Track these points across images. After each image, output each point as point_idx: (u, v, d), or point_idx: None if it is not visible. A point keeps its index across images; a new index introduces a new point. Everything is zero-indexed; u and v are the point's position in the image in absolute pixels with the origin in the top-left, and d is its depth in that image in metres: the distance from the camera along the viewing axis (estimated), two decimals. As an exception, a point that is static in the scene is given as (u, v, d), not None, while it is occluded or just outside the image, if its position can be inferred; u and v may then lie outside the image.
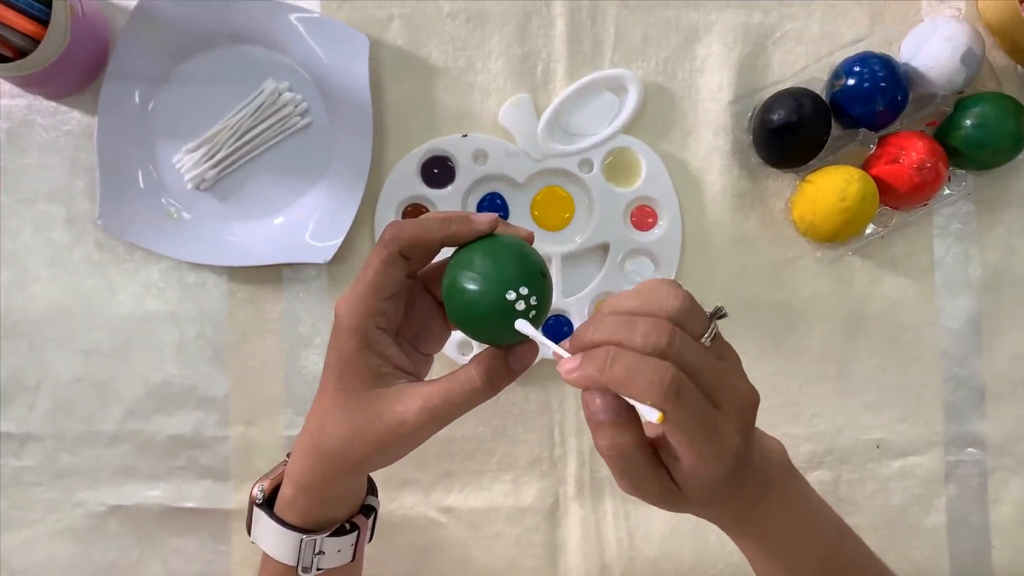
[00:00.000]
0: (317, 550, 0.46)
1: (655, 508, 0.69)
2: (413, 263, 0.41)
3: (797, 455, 0.66)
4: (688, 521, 0.65)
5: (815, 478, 0.65)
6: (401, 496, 0.65)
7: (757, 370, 0.64)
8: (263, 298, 0.65)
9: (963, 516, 0.66)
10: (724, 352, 0.38)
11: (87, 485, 0.64)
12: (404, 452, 0.43)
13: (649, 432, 0.38)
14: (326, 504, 0.46)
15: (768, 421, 0.70)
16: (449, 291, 0.39)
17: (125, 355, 0.64)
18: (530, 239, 0.41)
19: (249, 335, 0.65)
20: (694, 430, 0.35)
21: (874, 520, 0.65)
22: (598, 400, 0.37)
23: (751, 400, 0.38)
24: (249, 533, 0.48)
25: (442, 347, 0.46)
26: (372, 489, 0.51)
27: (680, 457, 0.37)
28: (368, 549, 0.66)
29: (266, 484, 0.47)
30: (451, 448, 0.65)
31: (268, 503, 0.46)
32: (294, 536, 0.45)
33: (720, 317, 0.38)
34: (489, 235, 0.40)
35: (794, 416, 0.65)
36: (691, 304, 0.37)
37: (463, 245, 0.40)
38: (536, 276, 0.38)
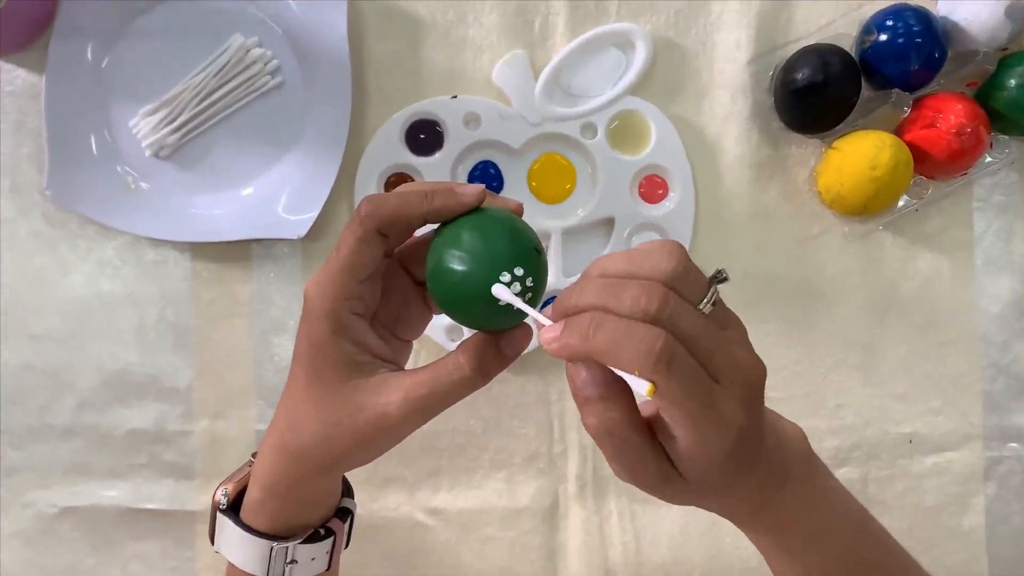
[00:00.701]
0: (289, 559, 0.43)
1: (664, 508, 0.64)
2: (391, 241, 0.38)
3: (821, 451, 0.61)
4: (700, 523, 0.62)
5: (840, 476, 0.60)
6: (383, 496, 0.62)
7: (777, 357, 0.62)
8: (231, 278, 0.61)
9: (1003, 517, 0.63)
10: (726, 320, 0.35)
11: (37, 484, 0.61)
12: (385, 448, 0.40)
13: (644, 411, 0.36)
14: (298, 508, 0.43)
15: (789, 413, 0.64)
16: (434, 273, 0.36)
17: (79, 341, 0.61)
18: (519, 211, 0.38)
19: (215, 319, 0.61)
20: (689, 404, 0.33)
21: (906, 521, 0.62)
22: (584, 373, 0.34)
23: (756, 374, 0.35)
24: (212, 542, 0.45)
25: (422, 332, 0.43)
26: (347, 491, 0.48)
27: (676, 436, 0.34)
28: (345, 555, 0.62)
29: (230, 487, 0.44)
30: (439, 443, 0.62)
31: (233, 508, 0.44)
32: (263, 544, 0.42)
33: (721, 281, 0.35)
34: (476, 209, 0.37)
35: (817, 407, 0.62)
36: (687, 265, 0.34)
37: (448, 221, 0.37)
38: (531, 254, 0.35)
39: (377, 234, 0.37)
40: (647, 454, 0.35)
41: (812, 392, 0.62)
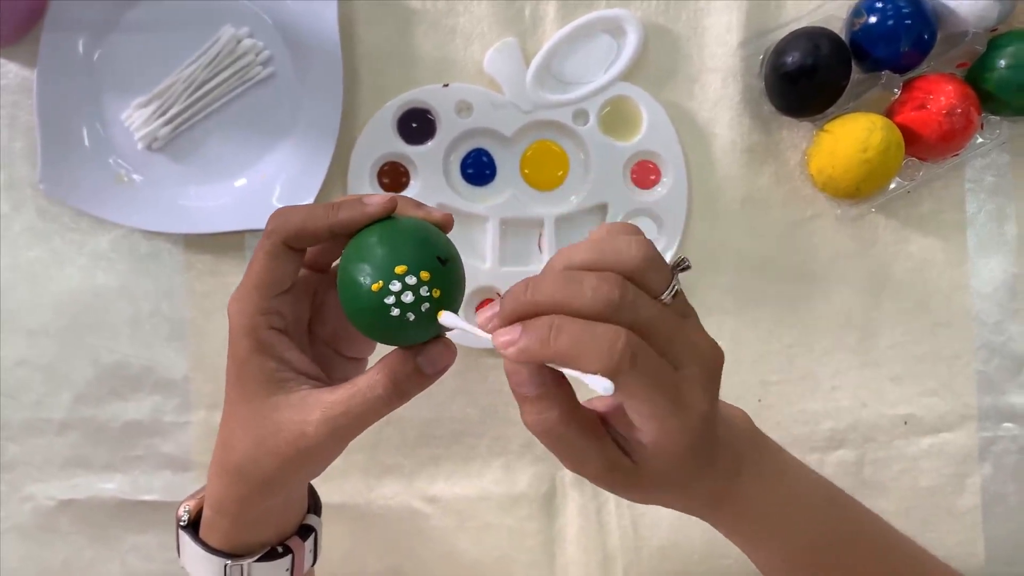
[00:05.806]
0: None
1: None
2: (317, 256, 0.38)
3: (816, 433, 0.62)
4: (698, 507, 0.61)
5: (836, 458, 0.62)
6: (381, 484, 0.61)
7: (772, 341, 0.62)
8: (225, 269, 0.61)
9: (999, 497, 0.62)
10: (687, 309, 0.35)
11: (35, 478, 0.61)
12: (315, 469, 0.39)
13: (599, 404, 0.36)
14: (249, 526, 0.42)
15: (785, 396, 0.65)
16: (340, 285, 0.34)
17: (74, 334, 0.61)
18: (445, 222, 0.37)
19: (210, 310, 0.61)
20: (655, 398, 0.32)
21: (902, 503, 0.62)
22: (525, 373, 0.34)
23: (715, 358, 0.35)
24: (179, 555, 0.44)
25: (373, 349, 0.42)
26: (315, 506, 0.46)
27: (641, 429, 0.34)
28: (345, 544, 0.62)
29: (191, 505, 0.43)
30: (436, 431, 0.61)
31: (195, 524, 0.43)
32: (218, 561, 0.41)
33: (683, 270, 0.35)
34: (388, 218, 0.35)
35: (813, 391, 0.62)
36: (652, 255, 0.33)
37: (358, 231, 0.35)
38: (431, 261, 0.33)
39: (286, 248, 0.36)
40: (590, 448, 0.35)
41: (807, 375, 0.61)
